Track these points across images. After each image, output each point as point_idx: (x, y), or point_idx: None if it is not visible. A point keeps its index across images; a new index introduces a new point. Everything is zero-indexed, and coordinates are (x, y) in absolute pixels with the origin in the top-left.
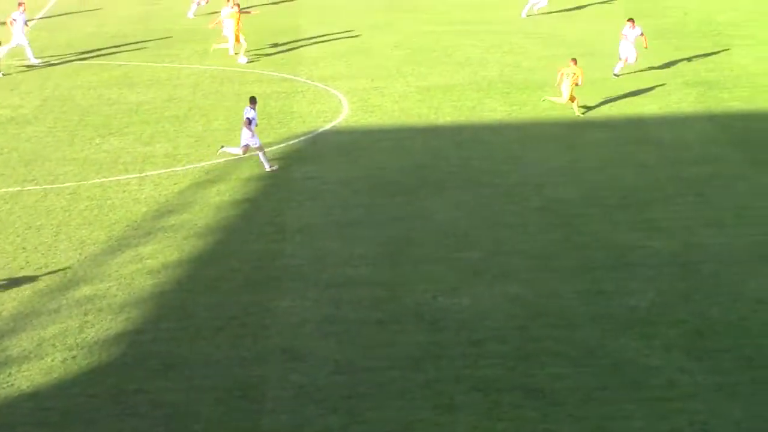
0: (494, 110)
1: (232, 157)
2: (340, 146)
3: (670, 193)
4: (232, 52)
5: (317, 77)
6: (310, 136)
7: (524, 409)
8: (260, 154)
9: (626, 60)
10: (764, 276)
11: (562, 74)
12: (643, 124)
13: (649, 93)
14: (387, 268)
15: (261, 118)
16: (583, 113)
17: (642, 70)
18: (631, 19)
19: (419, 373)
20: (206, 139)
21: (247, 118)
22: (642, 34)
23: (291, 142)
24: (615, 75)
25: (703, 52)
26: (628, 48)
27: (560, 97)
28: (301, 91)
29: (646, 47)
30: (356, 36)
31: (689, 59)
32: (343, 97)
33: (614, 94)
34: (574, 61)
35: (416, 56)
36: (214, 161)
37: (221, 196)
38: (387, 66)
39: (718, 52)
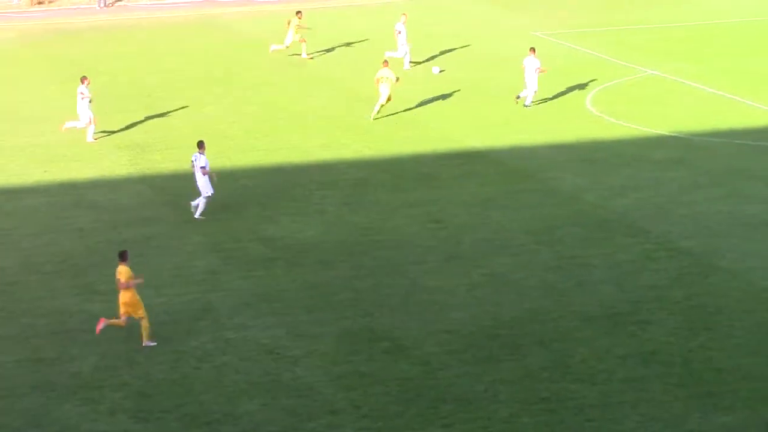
0: None
1: None
2: None
3: (108, 257)
4: None
5: None
6: None
7: None
8: (205, 201)
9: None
10: (205, 334)
11: (378, 79)
12: (77, 188)
13: (82, 157)
14: None
15: None
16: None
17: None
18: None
19: None
20: None
21: (202, 167)
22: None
23: None
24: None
25: (135, 115)
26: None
27: (379, 98)
28: None
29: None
30: None
31: (122, 122)
32: None
33: (48, 159)
34: (386, 63)
35: None
36: None
37: None
38: None
39: (150, 115)
